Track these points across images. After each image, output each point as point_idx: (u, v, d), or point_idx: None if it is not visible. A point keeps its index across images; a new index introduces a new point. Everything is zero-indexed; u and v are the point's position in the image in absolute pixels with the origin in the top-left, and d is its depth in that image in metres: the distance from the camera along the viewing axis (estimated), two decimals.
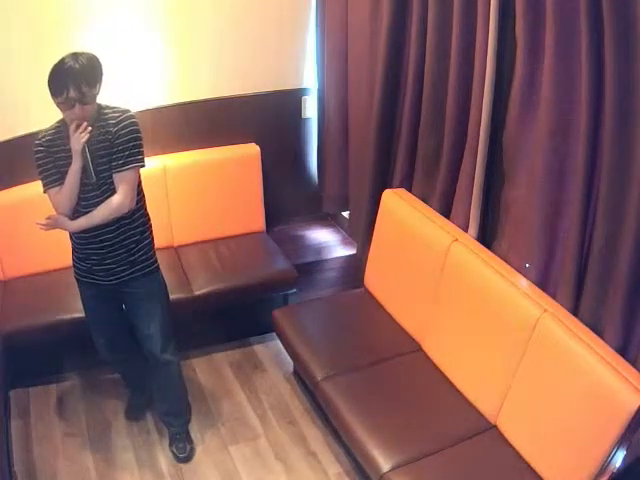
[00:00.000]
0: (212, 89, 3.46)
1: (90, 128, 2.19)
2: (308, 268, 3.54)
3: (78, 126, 2.17)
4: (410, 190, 3.07)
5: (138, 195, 2.39)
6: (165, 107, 3.39)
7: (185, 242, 3.49)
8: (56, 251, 2.95)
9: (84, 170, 2.25)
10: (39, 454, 2.78)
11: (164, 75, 3.33)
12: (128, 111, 2.30)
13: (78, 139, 2.18)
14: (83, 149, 2.20)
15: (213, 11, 3.29)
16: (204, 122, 3.50)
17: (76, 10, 2.99)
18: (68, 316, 2.91)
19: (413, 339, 2.86)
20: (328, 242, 3.79)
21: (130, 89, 3.19)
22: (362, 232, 3.36)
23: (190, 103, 3.44)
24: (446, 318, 2.66)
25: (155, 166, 3.30)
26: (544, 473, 2.17)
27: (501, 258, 2.54)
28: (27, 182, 3.06)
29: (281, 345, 3.09)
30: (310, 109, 3.72)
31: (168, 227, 3.42)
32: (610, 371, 1.97)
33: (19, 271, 3.19)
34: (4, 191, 3.12)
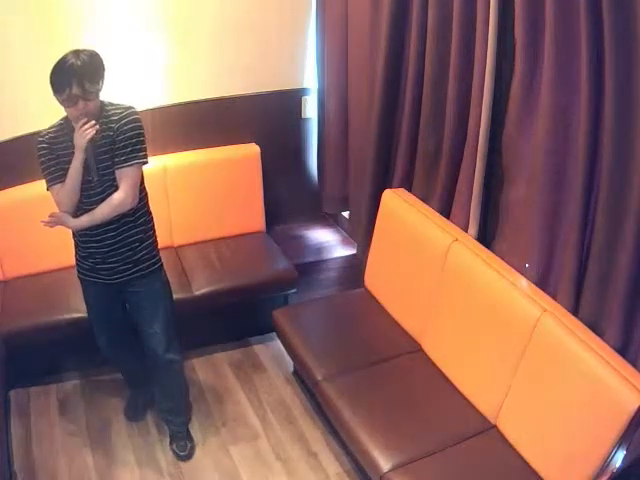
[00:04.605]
0: (212, 89, 3.46)
1: (97, 125, 2.17)
2: (308, 268, 3.54)
3: (85, 123, 2.16)
4: (410, 190, 3.07)
5: (141, 194, 2.38)
6: (165, 107, 3.39)
7: (185, 242, 3.49)
8: (56, 251, 2.96)
9: (86, 167, 2.24)
10: (39, 454, 2.78)
11: (164, 75, 3.33)
12: (131, 107, 2.29)
13: (83, 134, 2.16)
14: (87, 145, 2.19)
15: (213, 11, 3.29)
16: (204, 122, 3.50)
17: (76, 10, 2.99)
18: (68, 316, 2.91)
19: (413, 339, 2.86)
20: (328, 242, 3.78)
21: (130, 89, 3.18)
22: (362, 232, 3.36)
23: (190, 103, 3.44)
24: (446, 318, 2.66)
25: (155, 166, 3.28)
26: (544, 473, 2.17)
27: (501, 258, 2.54)
28: (27, 182, 3.06)
29: (281, 345, 3.09)
30: (310, 109, 3.71)
31: (168, 227, 3.42)
32: (610, 371, 1.97)
33: (19, 271, 3.18)
34: (4, 191, 3.12)
